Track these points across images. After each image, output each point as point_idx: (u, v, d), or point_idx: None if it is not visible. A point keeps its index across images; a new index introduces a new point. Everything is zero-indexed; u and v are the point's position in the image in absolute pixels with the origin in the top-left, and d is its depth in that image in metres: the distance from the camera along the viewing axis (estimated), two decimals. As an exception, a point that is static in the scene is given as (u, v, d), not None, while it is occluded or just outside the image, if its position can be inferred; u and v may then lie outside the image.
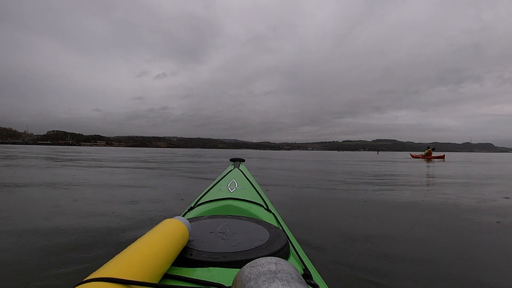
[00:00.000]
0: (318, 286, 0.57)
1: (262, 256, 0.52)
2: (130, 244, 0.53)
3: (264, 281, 0.38)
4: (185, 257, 0.63)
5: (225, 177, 1.61)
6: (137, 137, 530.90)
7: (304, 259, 0.71)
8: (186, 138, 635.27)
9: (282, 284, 0.37)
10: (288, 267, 0.42)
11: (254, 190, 1.35)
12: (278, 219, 1.02)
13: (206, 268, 0.60)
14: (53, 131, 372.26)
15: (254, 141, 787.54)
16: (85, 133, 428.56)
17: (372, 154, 49.36)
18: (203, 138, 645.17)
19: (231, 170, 1.83)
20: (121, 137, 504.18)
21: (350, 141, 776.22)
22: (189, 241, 0.70)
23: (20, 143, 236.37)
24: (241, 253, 0.65)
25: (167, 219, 0.68)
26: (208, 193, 1.28)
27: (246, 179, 1.57)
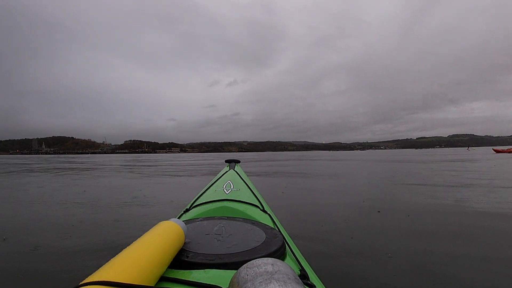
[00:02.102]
0: (315, 286, 0.56)
1: (259, 257, 0.50)
2: (126, 246, 0.53)
3: (261, 282, 0.38)
4: (182, 259, 0.63)
5: (220, 179, 1.60)
6: (209, 143, 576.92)
7: (300, 260, 0.70)
8: (256, 142, 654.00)
9: (279, 285, 0.37)
10: (285, 268, 0.42)
11: (250, 191, 1.35)
12: (274, 220, 1.02)
13: (203, 270, 0.60)
14: (130, 140, 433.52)
15: (324, 142, 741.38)
16: (160, 141, 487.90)
17: (462, 150, 44.93)
18: (273, 141, 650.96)
19: (227, 172, 1.80)
20: (194, 143, 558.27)
21: (425, 137, 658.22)
22: (185, 243, 0.70)
23: (99, 153, 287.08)
24: (238, 255, 0.65)
25: (162, 221, 0.68)
26: (204, 194, 1.29)
27: (241, 180, 1.57)
